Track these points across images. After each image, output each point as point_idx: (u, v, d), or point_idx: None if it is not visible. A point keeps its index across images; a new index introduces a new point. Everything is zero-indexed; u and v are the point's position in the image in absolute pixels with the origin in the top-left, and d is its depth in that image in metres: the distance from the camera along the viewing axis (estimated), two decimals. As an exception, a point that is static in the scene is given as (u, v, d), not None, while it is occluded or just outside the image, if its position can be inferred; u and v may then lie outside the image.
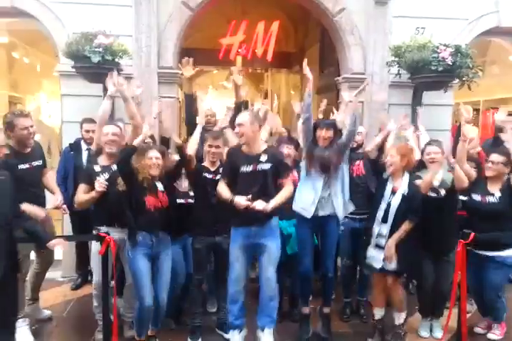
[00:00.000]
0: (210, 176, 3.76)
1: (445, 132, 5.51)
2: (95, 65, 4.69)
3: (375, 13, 5.60)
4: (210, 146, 3.76)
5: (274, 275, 3.55)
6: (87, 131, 4.68)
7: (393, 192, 3.71)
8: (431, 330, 4.07)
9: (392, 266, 3.67)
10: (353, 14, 5.63)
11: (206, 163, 3.84)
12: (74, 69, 4.93)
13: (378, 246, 3.71)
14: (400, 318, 3.84)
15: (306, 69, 3.96)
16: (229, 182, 3.56)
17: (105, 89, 5.04)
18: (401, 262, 3.67)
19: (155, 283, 3.46)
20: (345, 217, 3.98)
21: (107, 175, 3.61)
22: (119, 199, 3.46)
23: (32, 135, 3.75)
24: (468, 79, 5.01)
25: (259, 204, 3.34)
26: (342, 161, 3.74)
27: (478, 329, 4.08)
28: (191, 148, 3.74)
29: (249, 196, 3.39)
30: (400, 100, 5.58)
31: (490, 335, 3.99)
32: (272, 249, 3.54)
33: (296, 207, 3.78)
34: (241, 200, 3.36)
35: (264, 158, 3.53)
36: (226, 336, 3.81)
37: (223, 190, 3.52)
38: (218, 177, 3.71)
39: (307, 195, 3.71)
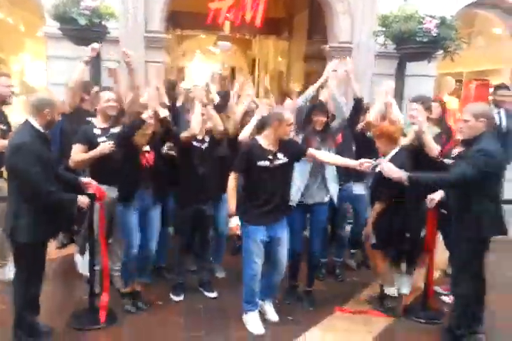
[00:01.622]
0: (197, 144, 3.86)
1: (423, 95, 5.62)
2: (82, 28, 4.69)
3: (364, -19, 5.61)
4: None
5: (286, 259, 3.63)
6: None
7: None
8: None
9: (372, 240, 3.87)
10: (343, -19, 5.64)
11: None
12: (60, 32, 4.91)
13: None
14: (390, 291, 3.93)
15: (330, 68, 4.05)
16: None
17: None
18: (378, 237, 3.81)
19: (144, 233, 3.67)
20: None
21: (105, 138, 3.70)
22: (113, 158, 3.61)
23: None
24: (451, 50, 5.10)
25: None
26: (331, 147, 3.81)
27: (437, 288, 4.18)
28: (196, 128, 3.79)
29: None
30: (385, 70, 5.67)
31: (443, 297, 4.11)
32: (285, 238, 3.57)
33: None
34: None
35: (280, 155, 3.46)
36: (207, 294, 4.06)
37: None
38: (205, 146, 3.84)
39: (293, 182, 3.68)
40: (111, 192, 3.69)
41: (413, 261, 4.20)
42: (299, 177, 3.74)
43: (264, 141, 3.46)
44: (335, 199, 3.88)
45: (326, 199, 3.86)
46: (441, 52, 5.22)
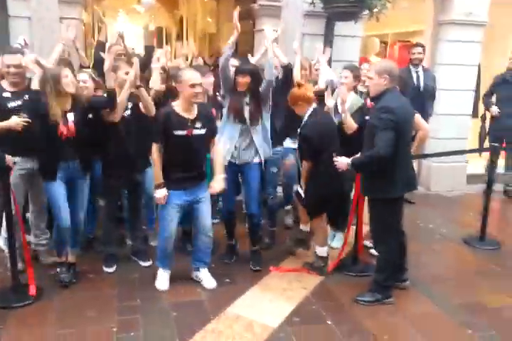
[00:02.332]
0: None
1: (354, 63, 5.68)
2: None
3: None
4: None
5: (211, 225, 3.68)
6: None
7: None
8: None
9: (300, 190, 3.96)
10: None
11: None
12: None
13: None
14: (320, 251, 3.96)
15: (236, 21, 3.83)
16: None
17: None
18: (306, 197, 3.86)
19: (72, 204, 3.52)
20: None
21: (19, 102, 3.46)
22: (28, 130, 3.37)
23: None
24: (377, 10, 5.13)
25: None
26: (260, 111, 3.77)
27: (366, 242, 4.35)
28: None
29: None
30: (314, 30, 5.63)
31: (371, 250, 4.23)
32: (208, 198, 3.60)
33: None
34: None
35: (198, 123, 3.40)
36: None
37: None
38: (127, 113, 3.67)
39: (224, 143, 3.73)
40: (27, 163, 3.52)
41: (345, 217, 4.30)
42: (229, 138, 3.75)
43: (179, 107, 3.36)
44: (261, 156, 3.86)
45: (256, 159, 3.86)
46: (367, 12, 5.24)
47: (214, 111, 3.97)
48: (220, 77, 3.83)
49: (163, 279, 3.66)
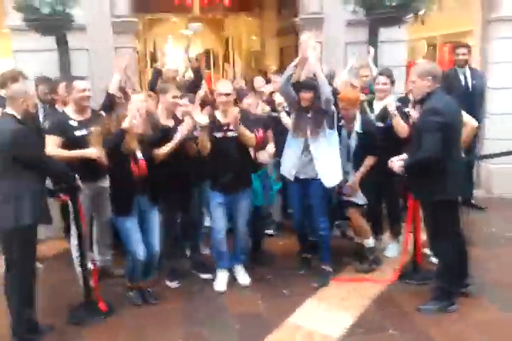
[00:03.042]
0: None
1: (401, 68, 5.63)
2: (46, 17, 4.55)
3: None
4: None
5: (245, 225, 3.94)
6: (46, 93, 4.58)
7: (349, 134, 3.98)
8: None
9: (355, 199, 4.01)
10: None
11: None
12: (24, 23, 4.77)
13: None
14: (368, 244, 4.13)
15: (308, 44, 3.70)
16: None
17: (59, 42, 4.96)
18: (364, 195, 4.02)
19: (145, 237, 3.55)
20: None
21: (84, 131, 3.62)
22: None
23: None
24: (421, 13, 5.08)
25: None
26: (322, 126, 3.77)
27: (426, 250, 4.18)
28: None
29: None
30: (357, 38, 5.62)
31: (432, 258, 4.06)
32: (245, 203, 3.88)
33: (282, 169, 4.03)
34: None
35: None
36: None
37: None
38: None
39: (289, 158, 3.92)
40: (93, 185, 3.71)
41: (395, 224, 4.40)
42: (293, 152, 3.88)
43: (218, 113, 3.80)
44: (323, 180, 3.83)
45: (319, 176, 3.84)
46: (411, 15, 5.19)
47: (260, 130, 4.05)
48: (282, 94, 3.95)
49: (220, 281, 3.89)
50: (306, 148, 3.84)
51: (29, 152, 3.02)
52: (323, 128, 3.78)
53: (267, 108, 4.58)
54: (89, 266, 3.64)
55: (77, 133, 3.62)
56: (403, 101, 4.29)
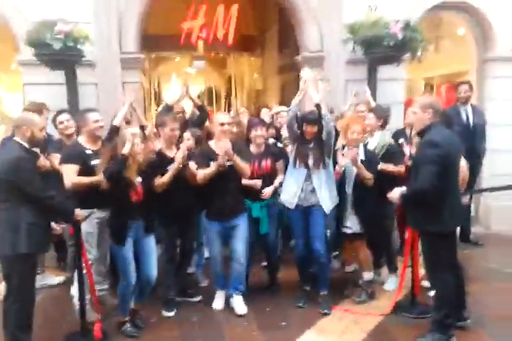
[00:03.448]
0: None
1: (399, 105, 5.80)
2: (57, 52, 4.76)
3: (329, -8, 5.81)
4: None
5: (244, 252, 4.00)
6: (62, 122, 4.72)
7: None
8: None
9: (358, 230, 4.06)
10: (308, -7, 5.83)
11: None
12: (35, 58, 4.97)
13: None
14: (367, 277, 4.16)
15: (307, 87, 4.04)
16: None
17: (68, 77, 5.14)
18: (362, 224, 4.05)
19: (142, 263, 3.62)
20: None
21: (97, 160, 3.71)
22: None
23: None
24: (418, 52, 5.28)
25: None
26: (324, 156, 3.94)
27: (424, 282, 4.17)
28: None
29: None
30: (356, 76, 5.83)
31: (431, 292, 4.04)
32: (243, 226, 3.98)
33: (282, 197, 4.11)
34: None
35: None
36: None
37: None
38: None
39: (291, 187, 4.02)
40: (102, 213, 3.74)
41: (392, 257, 4.45)
42: (295, 182, 3.99)
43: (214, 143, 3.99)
44: (323, 206, 3.95)
45: (321, 202, 3.96)
46: (408, 54, 5.40)
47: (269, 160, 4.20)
48: (287, 128, 4.10)
49: (218, 299, 4.11)
50: (307, 178, 3.95)
51: (28, 180, 3.04)
52: (324, 159, 3.92)
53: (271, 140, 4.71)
54: (88, 296, 3.65)
55: (93, 162, 3.74)
56: (399, 133, 4.42)
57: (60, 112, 4.47)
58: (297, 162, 3.98)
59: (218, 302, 4.11)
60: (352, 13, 5.61)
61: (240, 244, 3.98)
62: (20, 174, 3.02)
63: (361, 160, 3.99)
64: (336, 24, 5.77)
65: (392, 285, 4.34)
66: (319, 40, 5.90)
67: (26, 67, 5.43)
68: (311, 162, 3.93)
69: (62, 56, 4.85)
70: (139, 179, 3.55)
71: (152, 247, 3.71)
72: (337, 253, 4.91)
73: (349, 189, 4.05)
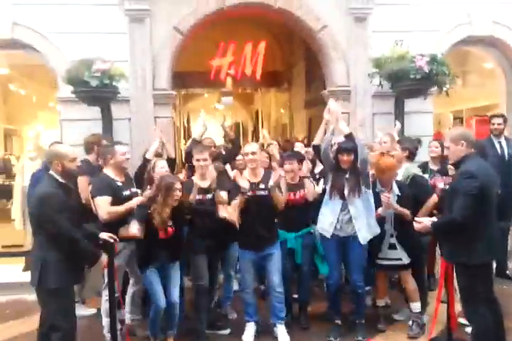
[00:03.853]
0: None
1: (428, 138, 5.78)
2: (94, 89, 4.97)
3: (355, 29, 5.97)
4: None
5: (281, 281, 3.98)
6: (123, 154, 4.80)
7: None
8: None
9: (406, 260, 4.04)
10: (335, 31, 6.00)
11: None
12: (73, 95, 5.21)
13: (391, 246, 4.06)
14: (416, 307, 4.08)
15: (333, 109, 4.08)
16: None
17: (103, 112, 5.35)
18: (411, 256, 4.05)
19: (167, 289, 3.75)
20: None
21: (128, 191, 3.88)
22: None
23: None
24: (446, 85, 5.31)
25: None
26: (361, 185, 3.93)
27: (461, 320, 4.01)
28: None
29: None
30: (383, 109, 5.88)
31: (467, 328, 3.89)
32: (277, 256, 3.98)
33: (319, 226, 4.11)
34: None
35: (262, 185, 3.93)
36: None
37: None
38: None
39: (327, 216, 4.02)
40: (131, 245, 3.82)
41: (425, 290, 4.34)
42: (331, 212, 3.99)
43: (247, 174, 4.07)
44: (359, 236, 3.93)
45: (357, 232, 3.95)
46: (435, 88, 5.43)
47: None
48: (322, 158, 4.12)
49: (248, 332, 4.05)
50: (344, 208, 3.95)
51: (50, 218, 3.02)
52: (360, 188, 3.91)
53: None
54: (119, 327, 3.67)
55: (125, 193, 3.85)
56: (421, 167, 4.42)
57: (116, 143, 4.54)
58: (333, 192, 3.98)
59: (248, 335, 4.05)
60: (378, 47, 5.71)
61: (275, 273, 3.96)
62: (44, 211, 3.04)
63: (397, 196, 4.00)
64: (363, 59, 5.88)
65: (403, 316, 4.32)
66: (346, 75, 6.00)
67: (64, 104, 5.68)
68: (346, 191, 3.92)
69: (98, 93, 5.07)
70: (170, 222, 3.68)
71: (176, 275, 3.82)
72: (369, 288, 4.77)
73: (388, 225, 4.06)
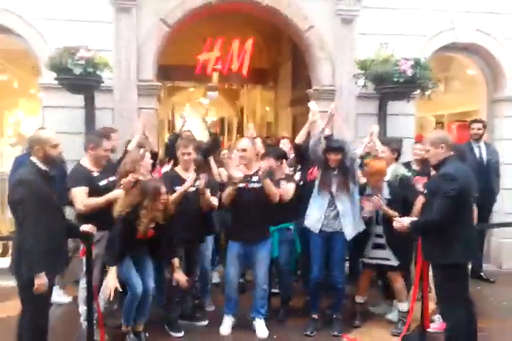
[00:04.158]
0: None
1: (409, 140, 5.86)
2: (77, 77, 4.92)
3: (342, 30, 6.00)
4: None
5: (266, 278, 4.08)
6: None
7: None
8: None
9: (394, 262, 4.11)
10: (322, 31, 6.01)
11: None
12: (56, 82, 5.13)
13: (377, 246, 4.13)
14: (404, 307, 4.13)
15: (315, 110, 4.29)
16: None
17: (86, 101, 5.30)
18: (401, 258, 4.11)
19: (142, 277, 3.77)
20: None
21: (105, 181, 3.87)
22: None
23: None
24: (428, 90, 5.39)
25: None
26: (349, 183, 4.04)
27: (435, 317, 4.20)
28: None
29: None
30: (367, 110, 5.94)
31: (433, 317, 4.17)
32: (265, 252, 4.05)
33: (306, 223, 4.16)
34: None
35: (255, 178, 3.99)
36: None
37: None
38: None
39: (315, 212, 4.11)
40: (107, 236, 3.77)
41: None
42: (318, 207, 4.08)
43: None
44: (345, 232, 4.01)
45: (343, 228, 4.03)
46: (418, 91, 5.50)
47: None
48: (311, 155, 4.17)
49: (225, 325, 4.09)
50: (331, 204, 4.02)
51: (18, 203, 2.96)
52: (348, 185, 3.99)
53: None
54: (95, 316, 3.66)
55: (101, 183, 3.84)
56: (407, 167, 4.51)
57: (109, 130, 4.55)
58: (321, 188, 4.05)
59: (225, 328, 4.09)
60: (364, 49, 5.76)
61: (262, 270, 4.02)
62: (17, 196, 2.98)
63: (387, 200, 4.06)
64: (348, 60, 5.91)
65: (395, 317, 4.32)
66: (331, 75, 6.03)
67: (47, 91, 5.59)
68: (334, 188, 4.00)
69: (81, 81, 5.01)
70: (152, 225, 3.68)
71: (149, 262, 3.85)
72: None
73: (374, 228, 4.14)
